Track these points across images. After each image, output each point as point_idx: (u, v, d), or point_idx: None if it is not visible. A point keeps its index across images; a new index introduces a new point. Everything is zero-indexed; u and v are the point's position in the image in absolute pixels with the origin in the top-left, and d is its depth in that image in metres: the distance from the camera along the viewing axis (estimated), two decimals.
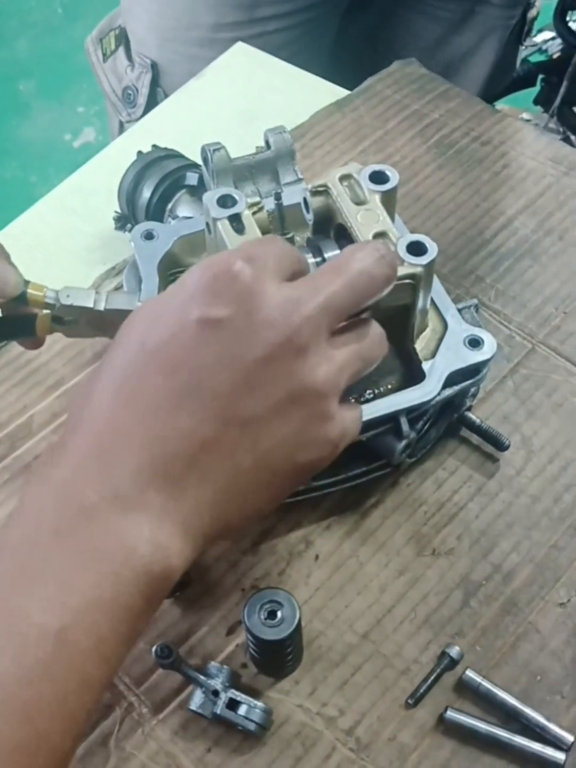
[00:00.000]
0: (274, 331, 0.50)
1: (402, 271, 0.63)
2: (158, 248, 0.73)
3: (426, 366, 0.68)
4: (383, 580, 0.69)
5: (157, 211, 0.82)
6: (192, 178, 0.81)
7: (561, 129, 1.88)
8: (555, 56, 2.00)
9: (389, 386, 0.69)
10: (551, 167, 0.94)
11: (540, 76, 1.92)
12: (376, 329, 0.57)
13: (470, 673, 0.64)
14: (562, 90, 1.69)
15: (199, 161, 0.78)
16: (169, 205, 0.81)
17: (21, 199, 2.28)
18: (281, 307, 0.51)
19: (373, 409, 0.66)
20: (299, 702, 0.64)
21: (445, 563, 0.70)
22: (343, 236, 0.68)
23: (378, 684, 0.65)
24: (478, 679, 0.64)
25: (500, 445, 0.74)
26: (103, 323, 0.68)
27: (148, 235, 0.74)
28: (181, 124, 1.01)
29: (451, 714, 0.63)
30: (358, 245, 0.57)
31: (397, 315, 0.66)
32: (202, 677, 0.62)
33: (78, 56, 2.53)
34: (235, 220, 0.66)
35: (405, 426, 0.66)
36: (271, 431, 0.51)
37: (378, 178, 0.68)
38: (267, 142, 0.75)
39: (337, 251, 0.68)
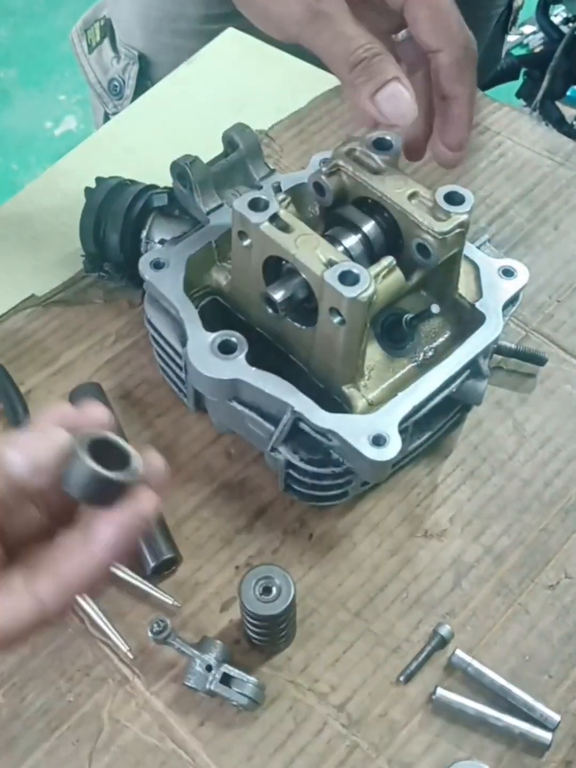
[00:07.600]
0: None
1: (451, 224, 0.63)
2: (174, 275, 0.70)
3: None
4: (376, 560, 0.70)
5: (133, 245, 0.79)
6: (160, 200, 0.78)
7: (543, 122, 1.89)
8: (537, 50, 2.00)
9: (443, 339, 0.70)
10: (547, 157, 0.95)
11: (523, 70, 1.93)
12: None
13: (460, 654, 0.65)
14: (545, 84, 1.70)
15: (151, 176, 0.76)
16: (144, 233, 0.78)
17: (2, 186, 2.28)
18: None
19: (455, 362, 0.66)
20: (292, 678, 0.65)
21: (437, 544, 0.71)
22: (373, 209, 0.66)
23: (369, 661, 0.66)
24: (468, 659, 0.65)
25: (540, 361, 0.78)
26: None
27: (157, 264, 0.71)
28: (170, 110, 1.00)
29: (440, 693, 0.64)
30: None
31: (442, 267, 0.66)
32: (196, 652, 0.62)
33: (59, 44, 2.53)
34: (276, 220, 0.64)
35: (484, 366, 0.68)
36: None
37: (380, 144, 0.67)
38: (232, 142, 0.74)
39: (373, 223, 0.66)
